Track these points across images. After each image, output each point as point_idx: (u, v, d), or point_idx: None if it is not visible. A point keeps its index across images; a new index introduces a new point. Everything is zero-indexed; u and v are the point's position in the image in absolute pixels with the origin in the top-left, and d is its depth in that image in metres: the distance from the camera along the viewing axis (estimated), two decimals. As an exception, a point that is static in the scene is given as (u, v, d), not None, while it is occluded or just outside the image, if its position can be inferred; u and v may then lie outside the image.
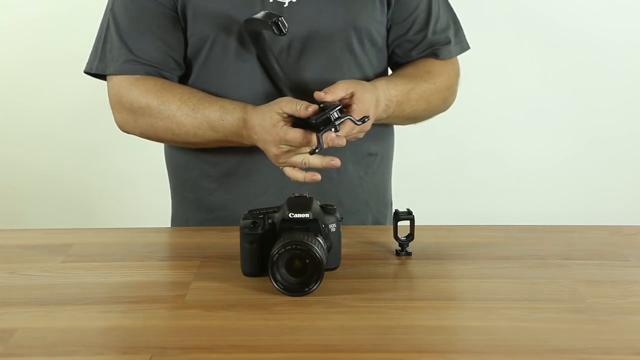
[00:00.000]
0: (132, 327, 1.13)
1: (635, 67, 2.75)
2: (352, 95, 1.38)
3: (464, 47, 1.63)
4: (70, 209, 2.85)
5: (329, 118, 1.31)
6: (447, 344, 1.08)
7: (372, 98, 1.41)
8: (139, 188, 2.86)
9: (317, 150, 1.31)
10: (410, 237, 1.33)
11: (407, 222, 1.32)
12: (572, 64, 2.74)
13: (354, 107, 1.37)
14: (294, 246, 1.18)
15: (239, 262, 1.32)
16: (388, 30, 1.58)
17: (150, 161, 2.73)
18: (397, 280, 1.25)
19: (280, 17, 1.38)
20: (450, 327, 1.12)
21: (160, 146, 1.66)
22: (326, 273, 1.26)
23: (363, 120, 1.34)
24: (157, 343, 1.09)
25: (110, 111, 1.55)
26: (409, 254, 1.33)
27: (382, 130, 1.60)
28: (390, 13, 1.55)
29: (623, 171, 2.82)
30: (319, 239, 1.22)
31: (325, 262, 1.20)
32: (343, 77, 1.47)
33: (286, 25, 1.38)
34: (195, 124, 1.46)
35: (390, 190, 1.70)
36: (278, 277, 1.19)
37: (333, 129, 1.31)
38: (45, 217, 2.81)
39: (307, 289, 1.19)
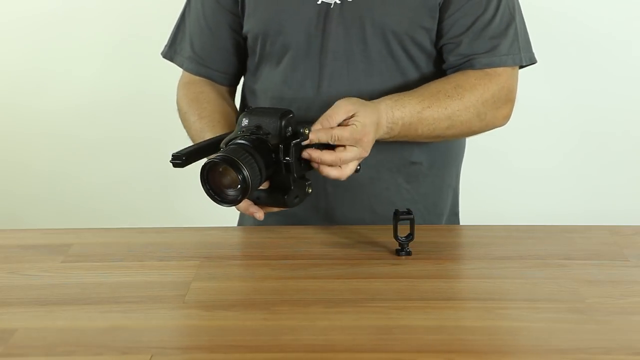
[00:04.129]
0: (132, 327, 1.13)
1: (635, 67, 2.75)
2: (353, 115, 1.31)
3: (515, 60, 1.47)
4: (70, 209, 2.85)
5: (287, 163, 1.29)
6: (447, 344, 1.08)
7: (372, 123, 1.33)
8: (139, 188, 2.86)
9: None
10: (410, 237, 1.33)
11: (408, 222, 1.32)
12: (572, 63, 2.73)
13: (353, 127, 1.30)
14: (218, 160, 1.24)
15: (238, 262, 1.32)
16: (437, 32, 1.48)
17: (150, 161, 2.75)
18: (397, 280, 1.25)
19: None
20: (450, 327, 1.12)
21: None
22: (327, 274, 1.26)
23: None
24: (157, 343, 1.08)
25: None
26: (409, 254, 1.33)
27: None
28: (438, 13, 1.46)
29: (623, 171, 2.82)
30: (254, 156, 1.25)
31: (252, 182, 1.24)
32: (383, 84, 1.46)
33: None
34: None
35: (446, 201, 1.62)
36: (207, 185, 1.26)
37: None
38: (45, 217, 2.81)
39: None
